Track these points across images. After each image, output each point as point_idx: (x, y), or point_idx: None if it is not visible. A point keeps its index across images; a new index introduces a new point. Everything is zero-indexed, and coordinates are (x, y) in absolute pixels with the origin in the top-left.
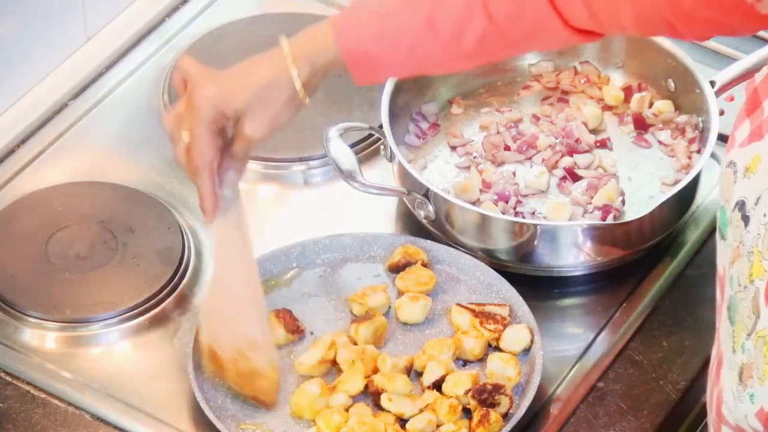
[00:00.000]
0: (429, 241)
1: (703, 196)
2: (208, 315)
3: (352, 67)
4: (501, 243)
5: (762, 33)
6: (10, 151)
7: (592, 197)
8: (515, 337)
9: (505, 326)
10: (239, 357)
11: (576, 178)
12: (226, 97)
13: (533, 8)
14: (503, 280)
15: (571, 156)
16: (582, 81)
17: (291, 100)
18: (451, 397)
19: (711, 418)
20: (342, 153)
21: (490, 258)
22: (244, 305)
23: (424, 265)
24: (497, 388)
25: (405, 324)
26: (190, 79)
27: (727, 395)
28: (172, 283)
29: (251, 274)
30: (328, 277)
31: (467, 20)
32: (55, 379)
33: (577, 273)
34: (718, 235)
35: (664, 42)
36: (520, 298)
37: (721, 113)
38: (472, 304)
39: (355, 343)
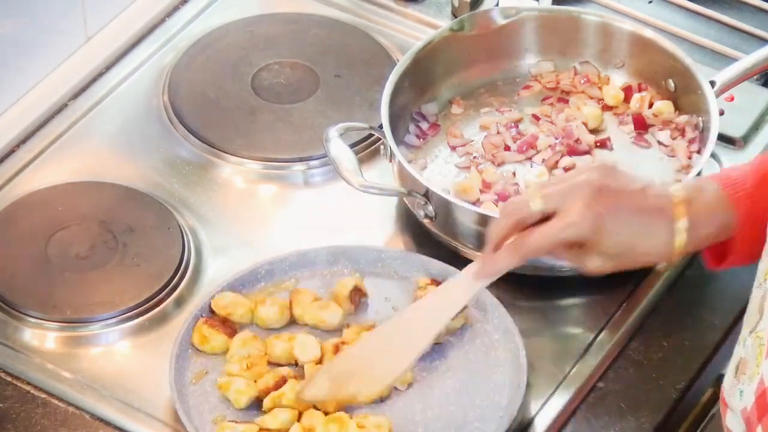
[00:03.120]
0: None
1: None
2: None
3: (738, 245)
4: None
5: (762, 33)
6: (10, 151)
7: None
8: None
9: None
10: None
11: None
12: (600, 233)
13: None
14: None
15: (571, 156)
16: (582, 81)
17: (657, 258)
18: None
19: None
20: (342, 153)
21: None
22: (392, 362)
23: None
24: None
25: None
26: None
27: (726, 383)
28: (172, 283)
29: (424, 342)
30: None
31: None
32: (55, 379)
33: (577, 273)
34: None
35: (664, 42)
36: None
37: (721, 113)
38: None
39: None
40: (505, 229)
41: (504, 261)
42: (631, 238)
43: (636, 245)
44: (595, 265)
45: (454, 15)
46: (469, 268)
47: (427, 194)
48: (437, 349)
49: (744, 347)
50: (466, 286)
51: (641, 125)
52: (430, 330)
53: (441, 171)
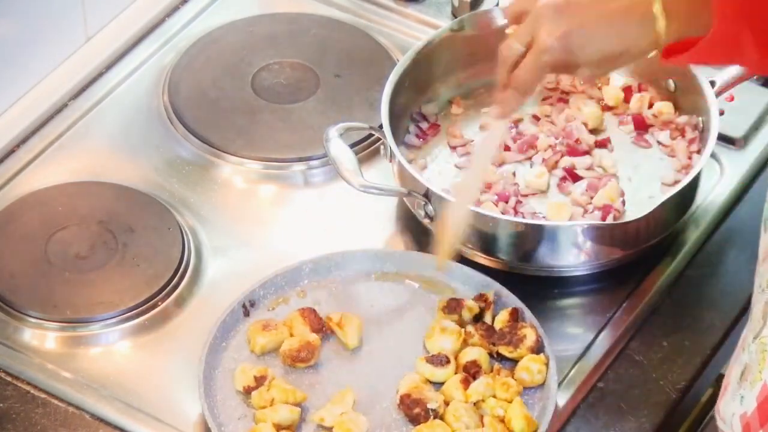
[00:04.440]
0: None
1: (703, 197)
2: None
3: (706, 47)
4: (501, 243)
5: None
6: (10, 151)
7: (592, 197)
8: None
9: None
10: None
11: (576, 178)
12: (573, 50)
13: None
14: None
15: (571, 156)
16: (582, 81)
17: (641, 56)
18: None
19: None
20: (342, 153)
21: (490, 258)
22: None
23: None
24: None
25: None
26: (536, 7)
27: (729, 388)
28: (172, 283)
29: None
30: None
31: None
32: (55, 379)
33: (577, 273)
34: (762, 226)
35: None
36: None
37: (721, 113)
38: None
39: None
40: (504, 73)
41: (513, 100)
42: (609, 43)
43: (616, 47)
44: (586, 75)
45: (454, 15)
46: (492, 112)
47: (427, 194)
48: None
49: (748, 353)
50: (497, 126)
51: (641, 125)
52: (486, 157)
53: (441, 171)
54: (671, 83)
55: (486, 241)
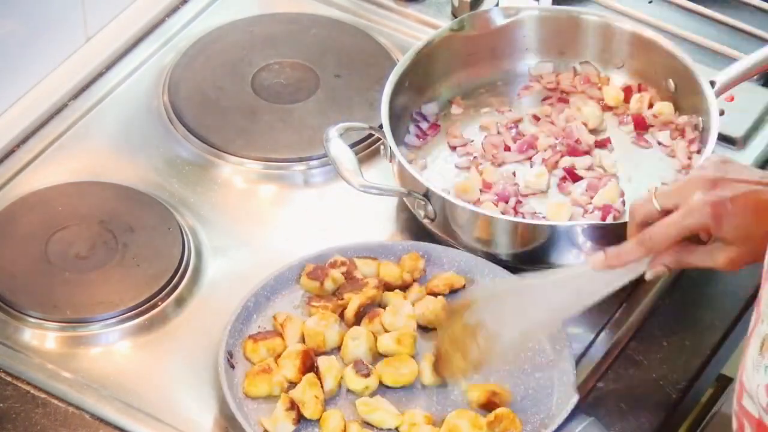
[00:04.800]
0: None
1: None
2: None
3: None
4: (501, 243)
5: (762, 33)
6: (10, 151)
7: (592, 197)
8: None
9: None
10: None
11: (576, 178)
12: (722, 220)
13: None
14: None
15: (571, 156)
16: (582, 81)
17: None
18: None
19: (738, 382)
20: (342, 153)
21: (490, 258)
22: (526, 319)
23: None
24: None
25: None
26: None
27: (748, 363)
28: (172, 283)
29: (558, 314)
30: None
31: None
32: (55, 379)
33: None
34: None
35: (664, 42)
36: None
37: (721, 113)
38: None
39: None
40: (632, 228)
41: (629, 253)
42: (759, 228)
43: (761, 230)
44: (724, 256)
45: (454, 15)
46: (594, 260)
47: (427, 194)
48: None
49: None
50: (598, 276)
51: (641, 125)
52: (566, 309)
53: (441, 171)
54: (671, 83)
55: (486, 241)
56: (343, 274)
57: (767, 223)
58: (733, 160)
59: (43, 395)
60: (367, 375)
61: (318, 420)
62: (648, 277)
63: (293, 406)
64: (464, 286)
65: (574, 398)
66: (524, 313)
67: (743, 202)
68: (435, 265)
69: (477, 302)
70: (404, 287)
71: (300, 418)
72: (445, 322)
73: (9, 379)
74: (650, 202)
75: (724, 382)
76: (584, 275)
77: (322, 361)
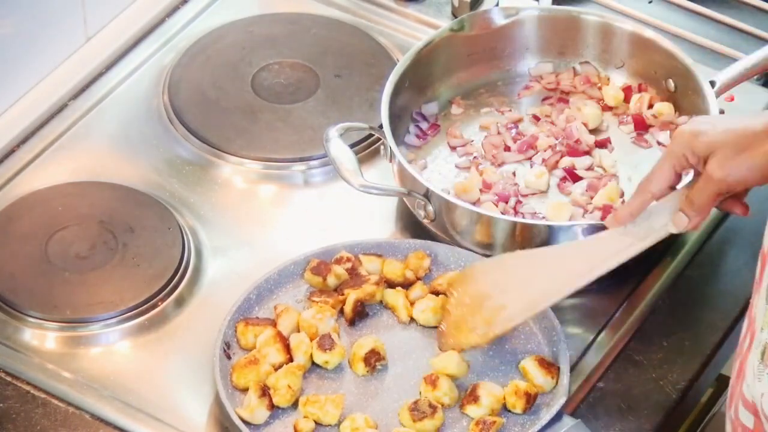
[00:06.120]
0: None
1: None
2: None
3: None
4: (501, 243)
5: (762, 33)
6: (10, 151)
7: (592, 197)
8: None
9: None
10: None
11: (576, 178)
12: (700, 133)
13: None
14: None
15: (571, 156)
16: (582, 81)
17: None
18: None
19: (731, 394)
20: (342, 153)
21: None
22: (537, 289)
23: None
24: None
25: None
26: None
27: (748, 372)
28: (172, 283)
29: (572, 281)
30: None
31: None
32: (55, 379)
33: None
34: None
35: (664, 42)
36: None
37: (721, 113)
38: None
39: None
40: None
41: (631, 204)
42: (734, 127)
43: (741, 134)
44: (716, 165)
45: (454, 15)
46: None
47: (427, 194)
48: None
49: None
50: (612, 239)
51: (641, 125)
52: (580, 276)
53: (441, 171)
54: (671, 83)
55: (486, 241)
56: (347, 270)
57: (742, 124)
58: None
59: (43, 395)
60: (330, 349)
61: (291, 407)
62: (671, 230)
63: (265, 393)
64: None
65: (562, 399)
66: (531, 283)
67: (717, 120)
68: (441, 265)
69: (480, 267)
70: (406, 285)
71: (273, 405)
72: (451, 293)
73: (9, 379)
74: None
75: (724, 382)
76: (592, 245)
77: (293, 338)
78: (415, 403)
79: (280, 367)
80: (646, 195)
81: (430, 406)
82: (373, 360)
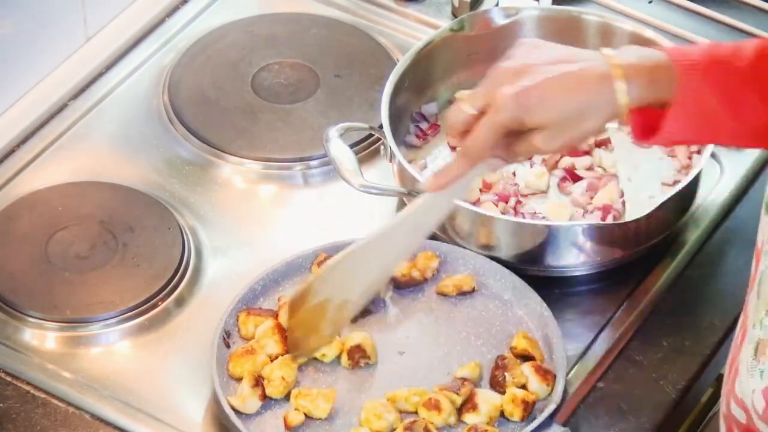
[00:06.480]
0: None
1: (703, 197)
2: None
3: (674, 118)
4: (501, 243)
5: (762, 33)
6: (10, 151)
7: (592, 197)
8: None
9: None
10: (322, 306)
11: (576, 178)
12: (530, 108)
13: None
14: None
15: (571, 156)
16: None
17: (604, 122)
18: None
19: (724, 390)
20: (342, 153)
21: (491, 258)
22: (374, 272)
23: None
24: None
25: None
26: (493, 71)
27: (741, 368)
28: (172, 283)
29: (405, 252)
30: None
31: None
32: (55, 379)
33: (577, 273)
34: (763, 209)
35: (664, 42)
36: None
37: None
38: None
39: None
40: (454, 139)
41: (456, 167)
42: (568, 106)
43: (574, 107)
44: (542, 141)
45: (454, 15)
46: (429, 182)
47: None
48: (447, 314)
49: (762, 328)
50: (432, 202)
51: None
52: (411, 244)
53: None
54: None
55: (486, 242)
56: None
57: (576, 99)
58: (547, 42)
59: (43, 395)
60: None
61: (284, 398)
62: (481, 172)
63: (258, 383)
64: (473, 288)
65: (552, 406)
66: (368, 269)
67: (548, 85)
68: (450, 266)
69: (317, 282)
70: (413, 285)
71: (266, 396)
72: (291, 315)
73: (9, 379)
74: (464, 107)
75: None
76: (416, 211)
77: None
78: (412, 423)
79: (277, 358)
80: (468, 161)
81: (425, 429)
82: (357, 356)
